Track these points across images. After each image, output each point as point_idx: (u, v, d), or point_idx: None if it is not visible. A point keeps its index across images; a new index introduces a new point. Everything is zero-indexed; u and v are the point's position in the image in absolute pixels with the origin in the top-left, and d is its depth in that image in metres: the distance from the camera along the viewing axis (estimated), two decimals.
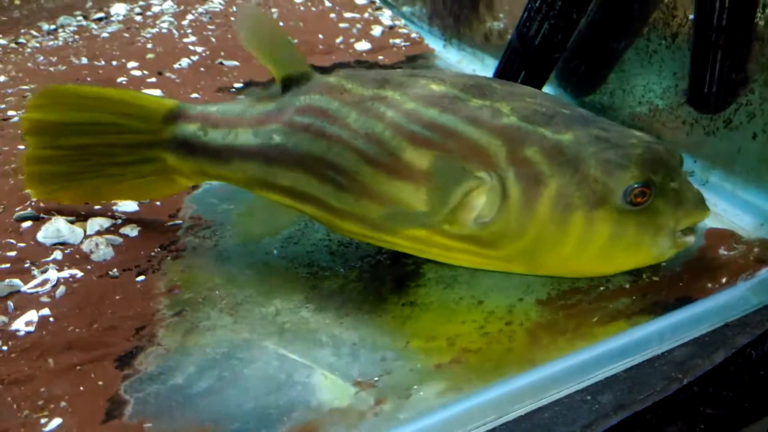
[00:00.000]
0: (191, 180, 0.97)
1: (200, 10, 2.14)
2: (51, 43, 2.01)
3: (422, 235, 0.77)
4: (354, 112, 0.79)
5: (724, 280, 0.77)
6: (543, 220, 0.71)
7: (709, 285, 0.77)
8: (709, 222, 0.89)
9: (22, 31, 2.17)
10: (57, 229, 0.97)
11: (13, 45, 2.04)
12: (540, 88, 1.10)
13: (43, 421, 0.67)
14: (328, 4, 2.08)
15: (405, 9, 1.91)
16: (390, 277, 0.87)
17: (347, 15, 1.97)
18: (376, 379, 0.71)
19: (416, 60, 1.66)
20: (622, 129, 0.76)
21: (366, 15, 1.97)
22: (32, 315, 0.82)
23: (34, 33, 2.14)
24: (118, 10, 2.25)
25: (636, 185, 0.69)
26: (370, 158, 0.77)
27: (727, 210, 0.89)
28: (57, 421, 0.68)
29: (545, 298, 0.79)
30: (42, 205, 1.05)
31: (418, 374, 0.72)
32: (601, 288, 0.80)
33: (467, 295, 0.82)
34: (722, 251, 0.82)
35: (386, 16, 1.95)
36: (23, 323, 0.80)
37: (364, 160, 0.78)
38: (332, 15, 1.98)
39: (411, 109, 0.77)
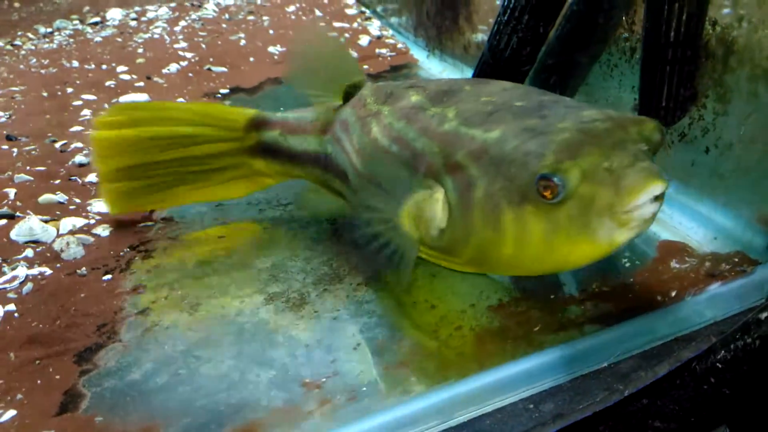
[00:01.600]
0: (275, 180, 1.05)
1: (194, 16, 2.18)
2: (46, 45, 2.05)
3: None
4: (357, 127, 0.84)
5: (674, 293, 0.79)
6: (478, 225, 0.69)
7: (659, 298, 0.79)
8: (664, 234, 0.90)
9: (19, 33, 2.21)
10: (30, 227, 1.00)
11: (8, 47, 2.08)
12: None
13: None
14: (318, 13, 2.12)
15: (393, 19, 1.93)
16: (351, 280, 0.89)
17: (336, 24, 2.00)
18: (324, 380, 0.72)
19: (400, 70, 1.69)
20: (569, 112, 0.68)
21: (355, 25, 2.00)
22: None
23: (31, 36, 2.18)
24: (114, 15, 2.29)
25: (539, 178, 0.63)
26: (359, 172, 0.82)
27: (683, 223, 0.91)
28: (11, 413, 0.69)
29: (496, 305, 0.81)
30: (19, 203, 1.07)
31: (367, 376, 0.73)
32: (552, 296, 0.81)
33: (422, 299, 0.83)
34: (674, 264, 0.83)
35: (375, 26, 1.97)
36: None
37: (357, 174, 0.82)
38: (322, 24, 2.01)
39: (387, 123, 0.80)
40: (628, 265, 0.85)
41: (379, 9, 2.03)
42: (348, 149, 0.85)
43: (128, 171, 0.97)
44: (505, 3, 1.04)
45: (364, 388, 0.72)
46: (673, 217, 0.91)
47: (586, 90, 1.08)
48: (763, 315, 0.61)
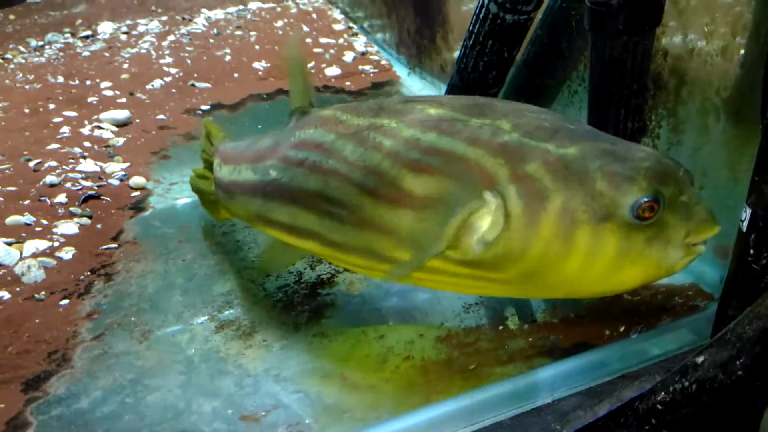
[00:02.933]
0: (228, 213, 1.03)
1: (183, 31, 2.18)
2: (36, 59, 2.06)
3: (427, 265, 0.73)
4: (350, 144, 0.78)
5: (622, 328, 0.78)
6: (547, 237, 0.67)
7: (608, 332, 0.78)
8: None
9: (11, 46, 2.23)
10: None
11: None
12: None
13: None
14: (306, 29, 2.12)
15: (378, 36, 1.94)
16: (305, 308, 0.89)
17: (323, 40, 2.00)
18: (263, 413, 0.72)
19: (382, 87, 1.69)
20: (631, 144, 0.72)
21: (341, 41, 2.00)
22: None
23: (22, 49, 2.20)
24: (105, 28, 2.30)
25: (645, 199, 0.66)
26: (370, 190, 0.75)
27: None
28: None
29: (445, 336, 0.80)
30: None
31: (310, 409, 0.73)
32: (500, 327, 0.80)
33: (371, 329, 0.83)
34: (626, 296, 0.83)
35: (360, 42, 1.97)
36: None
37: (364, 192, 0.75)
38: (308, 40, 2.01)
39: (409, 136, 0.74)
40: None
41: (366, 25, 2.03)
42: (336, 168, 0.78)
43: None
44: (470, 27, 1.04)
45: (307, 421, 0.72)
46: None
47: None
48: (699, 359, 0.60)
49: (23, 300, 0.92)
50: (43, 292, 0.94)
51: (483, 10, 1.00)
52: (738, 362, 0.56)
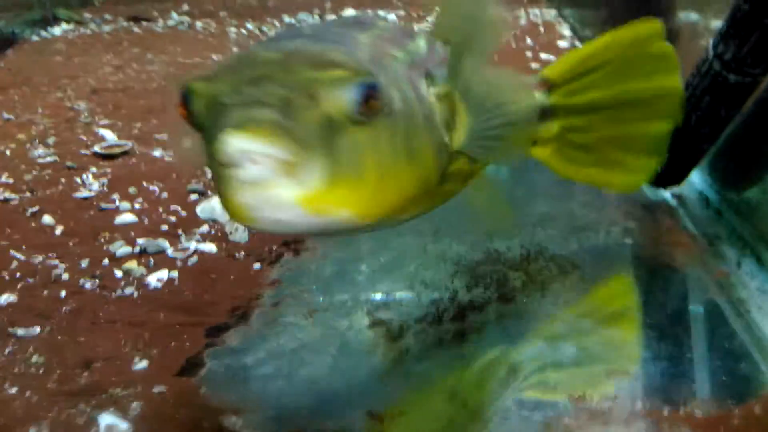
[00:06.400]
0: None
1: (415, 28, 2.30)
2: None
3: None
4: None
5: None
6: None
7: None
8: None
9: (268, 19, 2.52)
10: (212, 207, 1.18)
11: (256, 31, 2.38)
12: (688, 172, 1.09)
13: (135, 359, 0.85)
14: (529, 42, 2.11)
15: None
16: (450, 326, 0.92)
17: (543, 56, 1.99)
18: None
19: None
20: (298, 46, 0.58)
21: None
22: (164, 274, 1.02)
23: (276, 24, 2.47)
24: (349, 14, 2.50)
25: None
26: None
27: None
28: (144, 363, 0.85)
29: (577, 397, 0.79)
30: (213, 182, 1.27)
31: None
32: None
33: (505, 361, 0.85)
34: None
35: None
36: (155, 278, 1.01)
37: None
38: (528, 53, 2.00)
39: None
40: (737, 383, 0.77)
41: None
42: None
43: None
44: (688, 80, 0.99)
45: None
46: None
47: (763, 186, 0.98)
48: None
49: (225, 256, 1.08)
50: (242, 252, 1.08)
51: (705, 65, 0.95)
52: None
